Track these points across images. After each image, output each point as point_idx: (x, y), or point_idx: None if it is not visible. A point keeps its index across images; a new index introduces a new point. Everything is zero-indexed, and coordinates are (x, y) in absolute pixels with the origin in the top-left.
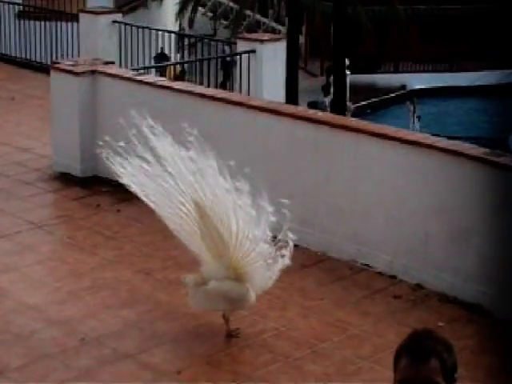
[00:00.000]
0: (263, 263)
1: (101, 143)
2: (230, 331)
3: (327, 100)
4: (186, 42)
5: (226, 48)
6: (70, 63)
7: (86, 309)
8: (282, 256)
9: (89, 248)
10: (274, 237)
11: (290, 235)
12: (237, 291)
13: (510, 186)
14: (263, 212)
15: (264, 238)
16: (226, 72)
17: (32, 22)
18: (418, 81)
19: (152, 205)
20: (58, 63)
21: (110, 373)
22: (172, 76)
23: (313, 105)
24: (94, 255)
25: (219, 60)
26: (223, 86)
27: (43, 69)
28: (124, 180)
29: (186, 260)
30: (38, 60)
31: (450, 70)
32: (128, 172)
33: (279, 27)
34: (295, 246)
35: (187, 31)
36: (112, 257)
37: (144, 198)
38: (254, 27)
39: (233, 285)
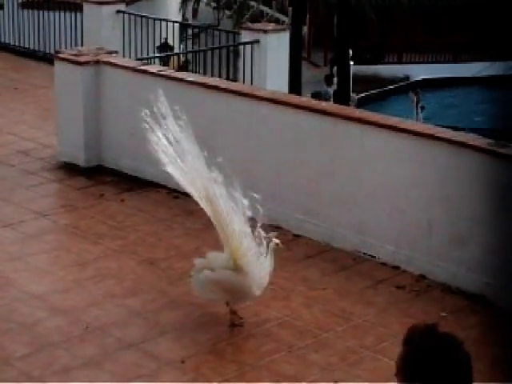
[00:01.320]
0: (256, 254)
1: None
2: (233, 321)
3: (331, 90)
4: (190, 32)
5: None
6: (74, 53)
7: (90, 298)
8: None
9: (93, 237)
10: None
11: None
12: (232, 282)
13: None
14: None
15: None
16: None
17: (36, 12)
18: (422, 71)
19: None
20: (61, 53)
21: (113, 361)
22: (175, 66)
23: (316, 95)
24: (98, 244)
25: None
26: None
27: (47, 59)
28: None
29: (190, 249)
30: (42, 50)
31: (454, 61)
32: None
33: (283, 17)
34: (298, 236)
35: (191, 21)
36: (116, 246)
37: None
38: (258, 17)
39: (229, 275)
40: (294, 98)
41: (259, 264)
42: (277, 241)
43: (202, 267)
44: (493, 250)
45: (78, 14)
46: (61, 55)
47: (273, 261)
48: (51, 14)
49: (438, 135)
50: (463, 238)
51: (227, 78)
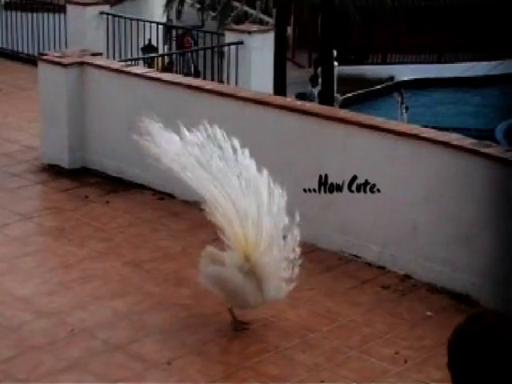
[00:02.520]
0: (280, 271)
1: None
2: (234, 323)
3: (316, 91)
4: (174, 33)
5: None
6: (58, 55)
7: (76, 300)
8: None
9: (78, 239)
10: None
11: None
12: (235, 284)
13: (497, 176)
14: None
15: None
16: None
17: (19, 14)
18: (406, 72)
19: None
20: (45, 55)
21: (100, 364)
22: (160, 67)
23: (301, 96)
24: (83, 247)
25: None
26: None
27: (30, 60)
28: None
29: (175, 251)
30: (25, 51)
31: (438, 62)
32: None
33: (267, 18)
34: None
35: (175, 22)
36: (101, 248)
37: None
38: (242, 18)
39: (234, 276)
40: (279, 99)
41: (277, 280)
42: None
43: (213, 258)
44: (478, 249)
45: (62, 16)
46: (45, 57)
47: (294, 277)
48: (35, 15)
49: (423, 135)
50: (448, 238)
51: (212, 79)
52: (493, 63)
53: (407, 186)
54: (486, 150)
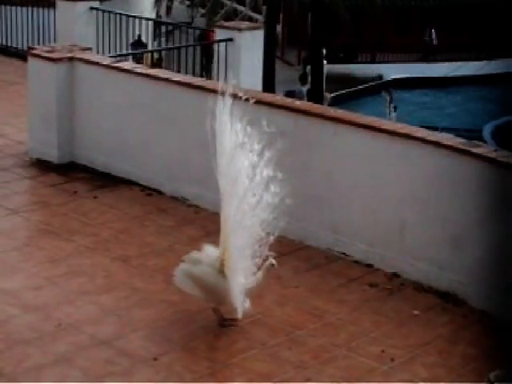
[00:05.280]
0: (249, 266)
1: None
2: (220, 320)
3: (305, 89)
4: (163, 29)
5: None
6: (48, 49)
7: (63, 295)
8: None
9: (65, 234)
10: None
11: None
12: (210, 282)
13: (485, 176)
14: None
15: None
16: (209, 58)
17: (8, 8)
18: (395, 71)
19: None
20: (35, 49)
21: (86, 358)
22: (149, 63)
23: (290, 94)
24: (71, 241)
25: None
26: (206, 70)
27: (20, 55)
28: None
29: (163, 247)
30: (15, 46)
31: (427, 61)
32: None
33: (256, 16)
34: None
35: (165, 19)
36: (88, 243)
37: None
38: (231, 16)
39: (209, 274)
40: (268, 96)
41: (244, 276)
42: (273, 261)
43: (192, 259)
44: (465, 248)
45: (52, 11)
46: (34, 51)
47: (260, 279)
48: (24, 9)
49: (412, 134)
50: (435, 237)
51: (201, 76)
52: (480, 63)
53: (396, 184)
54: (476, 150)
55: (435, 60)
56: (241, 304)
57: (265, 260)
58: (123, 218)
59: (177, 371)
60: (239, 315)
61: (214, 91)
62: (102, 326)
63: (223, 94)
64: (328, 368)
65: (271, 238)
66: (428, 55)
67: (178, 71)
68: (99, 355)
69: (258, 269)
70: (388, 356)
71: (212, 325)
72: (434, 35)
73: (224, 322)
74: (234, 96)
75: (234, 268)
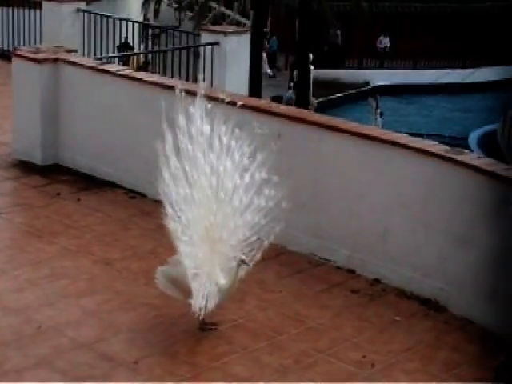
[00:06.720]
0: (226, 267)
1: None
2: (202, 324)
3: (294, 96)
4: (150, 32)
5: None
6: (32, 50)
7: (44, 297)
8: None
9: (48, 237)
10: None
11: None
12: (186, 282)
13: (469, 183)
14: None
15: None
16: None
17: None
18: (381, 77)
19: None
20: (19, 50)
21: (66, 361)
22: (135, 66)
23: (277, 99)
24: (54, 244)
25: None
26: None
27: (4, 56)
28: None
29: (146, 250)
30: (0, 46)
31: (414, 68)
32: None
33: (244, 20)
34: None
35: (152, 22)
36: (71, 246)
37: None
38: (219, 19)
39: (185, 275)
40: (253, 101)
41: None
42: (243, 257)
43: (174, 261)
44: (447, 255)
45: (38, 12)
46: (19, 52)
47: (233, 281)
48: (10, 10)
49: (396, 140)
50: (418, 244)
51: (187, 80)
52: (467, 71)
53: (379, 190)
54: (459, 157)
55: (422, 67)
56: (214, 305)
57: (244, 262)
58: (106, 221)
59: (157, 375)
60: (204, 314)
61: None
62: (83, 328)
63: (201, 96)
64: (308, 373)
65: (265, 243)
66: (416, 62)
67: (165, 74)
68: (80, 358)
69: (233, 269)
70: (369, 362)
71: (193, 329)
72: (387, 41)
73: (205, 326)
74: (216, 99)
75: (210, 269)
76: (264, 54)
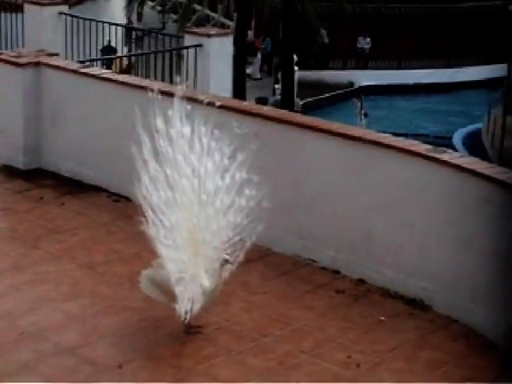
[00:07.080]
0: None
1: None
2: (186, 327)
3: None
4: (134, 35)
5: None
6: (14, 54)
7: (28, 302)
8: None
9: (31, 241)
10: None
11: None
12: (169, 286)
13: (452, 183)
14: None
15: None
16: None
17: None
18: (366, 78)
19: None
20: (1, 54)
21: (49, 366)
22: (119, 69)
23: (262, 101)
24: (37, 248)
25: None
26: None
27: None
28: None
29: (130, 254)
30: None
31: (399, 68)
32: None
33: (228, 22)
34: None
35: (136, 24)
36: (55, 250)
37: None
38: (203, 22)
39: (168, 278)
40: (236, 102)
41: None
42: (226, 257)
43: (157, 264)
44: (431, 255)
45: (20, 16)
46: (0, 56)
47: (217, 282)
48: None
49: (379, 141)
50: (402, 244)
51: (170, 82)
52: (451, 70)
53: (363, 191)
54: (441, 157)
55: (406, 67)
56: (199, 308)
57: (227, 261)
58: (90, 225)
59: (142, 379)
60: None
61: (190, 99)
62: (66, 333)
63: (182, 98)
64: (294, 374)
65: (247, 244)
66: (400, 63)
67: (148, 77)
68: (63, 363)
69: (217, 269)
70: (354, 362)
71: (178, 332)
72: (366, 43)
73: (190, 329)
74: (196, 101)
75: (194, 271)
76: (259, 55)
